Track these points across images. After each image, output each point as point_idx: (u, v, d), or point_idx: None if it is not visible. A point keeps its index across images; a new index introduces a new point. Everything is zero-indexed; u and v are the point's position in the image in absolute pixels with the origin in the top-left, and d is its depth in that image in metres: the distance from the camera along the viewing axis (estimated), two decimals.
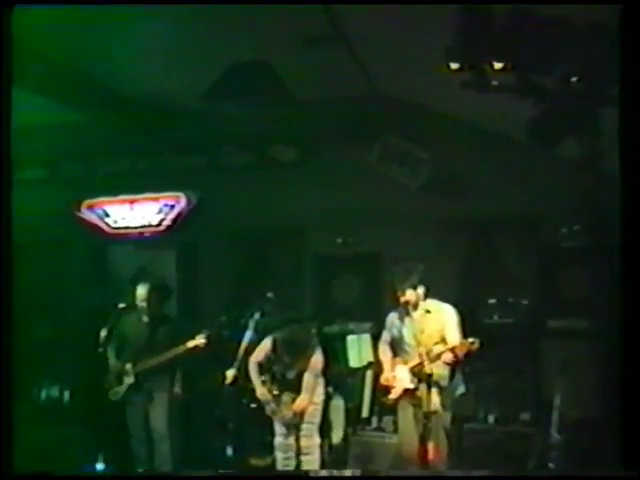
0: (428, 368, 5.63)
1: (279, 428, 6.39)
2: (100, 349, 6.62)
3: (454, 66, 5.07)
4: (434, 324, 5.91)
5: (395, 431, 6.89)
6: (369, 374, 7.76)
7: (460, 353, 5.61)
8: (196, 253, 9.30)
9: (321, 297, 8.76)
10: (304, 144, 8.90)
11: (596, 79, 4.95)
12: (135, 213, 9.29)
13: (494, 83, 5.17)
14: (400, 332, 6.09)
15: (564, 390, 6.79)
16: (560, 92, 5.16)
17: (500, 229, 8.23)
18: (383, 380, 6.15)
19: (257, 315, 6.57)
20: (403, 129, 8.43)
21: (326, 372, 6.53)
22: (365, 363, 7.91)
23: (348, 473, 6.45)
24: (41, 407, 8.43)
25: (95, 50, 6.96)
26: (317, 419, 6.39)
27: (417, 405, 5.86)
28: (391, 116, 8.44)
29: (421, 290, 5.97)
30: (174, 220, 9.17)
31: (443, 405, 5.81)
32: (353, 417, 7.53)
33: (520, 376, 7.80)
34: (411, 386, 5.89)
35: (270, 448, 6.57)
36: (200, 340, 6.56)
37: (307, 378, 6.29)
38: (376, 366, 6.90)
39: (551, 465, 6.55)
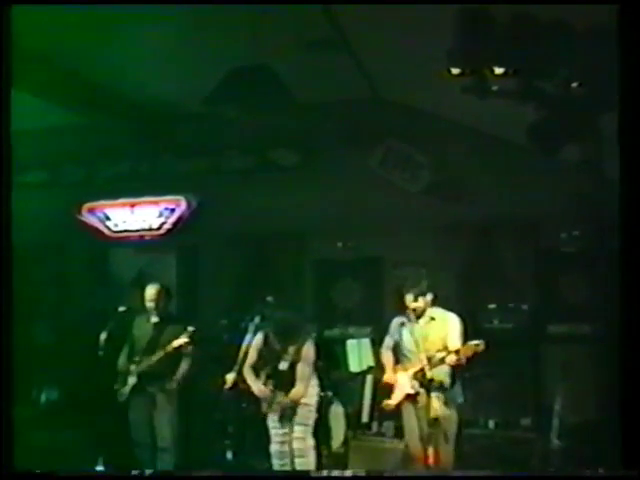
0: (429, 374, 5.65)
1: (275, 435, 6.35)
2: (100, 352, 6.61)
3: (455, 71, 5.09)
4: (438, 331, 5.91)
5: (396, 436, 6.91)
6: (369, 378, 7.74)
7: (464, 356, 5.61)
8: (196, 257, 9.31)
9: (321, 301, 8.76)
10: (305, 148, 8.90)
11: (596, 84, 4.96)
12: (136, 216, 9.30)
13: (495, 88, 5.19)
14: (403, 338, 6.09)
15: (564, 395, 6.79)
16: (560, 97, 5.17)
17: (500, 234, 8.22)
18: (386, 378, 6.14)
19: (257, 319, 6.56)
20: (404, 133, 8.45)
21: (318, 363, 6.45)
22: (365, 367, 7.89)
23: (348, 473, 6.45)
24: (41, 410, 8.42)
25: (96, 54, 6.98)
26: (310, 421, 6.30)
27: (419, 410, 5.87)
28: (392, 120, 8.46)
29: (429, 297, 5.99)
30: (174, 223, 9.19)
31: (444, 411, 5.80)
32: (353, 422, 7.51)
33: (520, 381, 7.79)
34: (412, 392, 5.89)
35: (269, 452, 6.55)
36: (183, 340, 6.48)
37: (301, 368, 6.24)
38: (377, 370, 6.88)
39: (551, 470, 6.54)
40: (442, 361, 5.69)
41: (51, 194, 9.41)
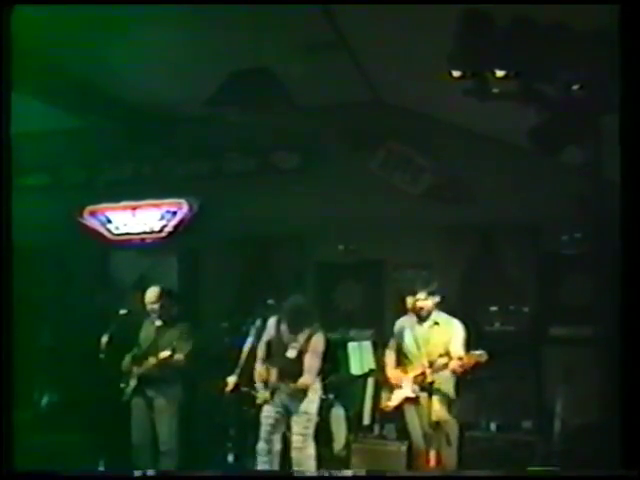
0: (430, 378, 5.68)
1: (264, 432, 6.23)
2: (101, 355, 6.63)
3: (456, 74, 5.08)
4: (441, 336, 5.95)
5: (398, 438, 6.92)
6: (370, 381, 7.74)
7: (467, 364, 5.62)
8: (198, 260, 9.31)
9: (322, 304, 8.75)
10: (306, 151, 8.91)
11: (598, 86, 4.96)
12: (137, 219, 9.31)
13: (496, 91, 5.18)
14: (406, 340, 6.11)
15: (566, 397, 6.78)
16: (561, 99, 5.16)
17: (501, 236, 8.22)
18: (390, 376, 6.14)
19: (258, 322, 6.56)
20: (405, 136, 8.46)
21: (327, 354, 6.40)
22: (366, 370, 7.89)
23: (348, 473, 6.43)
24: (42, 413, 8.41)
25: (97, 56, 6.99)
26: (309, 430, 6.17)
27: (420, 413, 5.88)
28: (393, 123, 8.47)
29: (437, 299, 6.04)
30: (176, 227, 9.19)
31: (445, 415, 5.81)
32: (355, 424, 7.51)
33: (522, 384, 7.78)
34: (412, 395, 5.90)
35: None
36: (166, 353, 6.43)
37: (309, 359, 6.14)
38: (379, 373, 6.89)
39: (552, 471, 6.53)
40: (445, 367, 5.70)
41: (52, 197, 9.42)
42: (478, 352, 5.60)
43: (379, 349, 6.58)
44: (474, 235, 8.30)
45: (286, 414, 6.20)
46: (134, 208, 9.32)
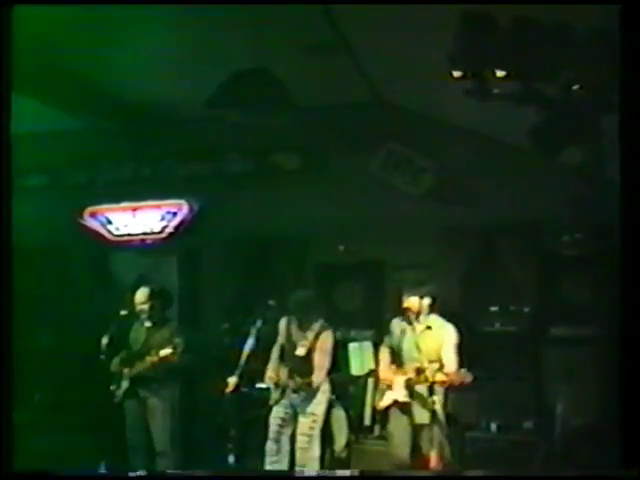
0: (421, 382, 5.72)
1: (272, 432, 6.27)
2: (102, 356, 6.63)
3: (456, 74, 5.08)
4: (433, 341, 5.91)
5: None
6: (371, 382, 7.73)
7: (451, 382, 5.63)
8: (198, 260, 9.31)
9: (323, 304, 8.74)
10: (306, 152, 8.91)
11: (598, 87, 4.96)
12: (137, 220, 9.31)
13: (496, 91, 5.19)
14: (399, 342, 6.10)
15: (566, 397, 6.78)
16: (562, 100, 5.16)
17: (502, 237, 8.21)
18: (383, 378, 6.14)
19: (259, 322, 6.56)
20: (405, 137, 8.46)
21: (336, 352, 6.42)
22: (367, 371, 7.86)
23: (348, 473, 6.43)
24: (42, 414, 8.41)
25: (98, 56, 6.99)
26: (315, 431, 6.23)
27: (405, 416, 5.91)
28: (393, 124, 8.47)
29: (427, 302, 5.98)
30: (176, 227, 9.19)
31: (429, 418, 5.82)
32: (355, 425, 7.50)
33: (522, 384, 7.77)
34: (402, 398, 5.91)
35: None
36: (167, 351, 6.43)
37: (318, 356, 6.21)
38: (375, 370, 6.88)
39: (552, 471, 6.54)
40: (432, 377, 5.68)
41: (53, 198, 9.42)
42: (464, 372, 5.58)
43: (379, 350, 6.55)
44: (474, 236, 8.29)
45: (294, 414, 6.22)
46: (134, 209, 9.31)
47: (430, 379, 5.63)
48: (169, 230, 9.20)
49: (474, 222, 8.12)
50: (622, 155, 3.89)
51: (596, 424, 6.93)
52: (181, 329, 6.80)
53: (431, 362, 5.76)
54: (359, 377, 7.92)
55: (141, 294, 6.81)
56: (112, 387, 6.70)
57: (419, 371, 5.72)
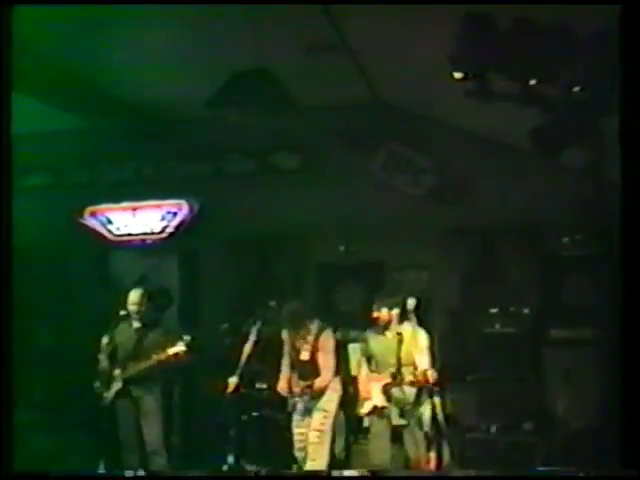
0: (396, 387, 5.87)
1: (297, 442, 6.32)
2: (101, 356, 6.63)
3: (458, 75, 5.08)
4: (405, 347, 6.00)
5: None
6: None
7: (421, 381, 5.80)
8: (198, 260, 9.31)
9: (323, 305, 8.74)
10: (306, 152, 8.91)
11: (598, 88, 4.95)
12: (138, 220, 9.31)
13: (496, 92, 5.19)
14: (373, 350, 6.22)
15: (566, 398, 6.78)
16: (563, 101, 5.17)
17: (502, 238, 8.21)
18: (361, 389, 6.25)
19: (259, 323, 6.56)
20: (406, 137, 8.46)
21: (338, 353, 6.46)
22: None
23: (348, 473, 6.44)
24: (42, 413, 8.40)
25: (99, 56, 6.99)
26: (326, 427, 6.24)
27: (384, 420, 6.04)
28: (394, 124, 8.47)
29: (396, 312, 6.09)
30: (176, 227, 9.19)
31: (410, 422, 5.89)
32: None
33: (522, 385, 7.77)
34: (380, 404, 6.00)
35: (270, 456, 6.54)
36: (180, 347, 6.39)
37: (322, 357, 6.25)
38: (351, 378, 6.92)
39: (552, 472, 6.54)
40: (407, 380, 5.85)
41: (53, 197, 9.42)
42: (430, 372, 5.76)
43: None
44: (475, 236, 8.29)
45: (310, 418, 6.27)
46: (135, 209, 9.31)
47: (403, 382, 5.82)
48: (169, 230, 9.20)
49: (474, 223, 8.12)
50: (622, 156, 3.89)
51: (596, 425, 6.93)
52: (176, 329, 6.79)
53: (405, 367, 5.91)
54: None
55: (134, 295, 6.78)
56: (100, 387, 6.66)
57: (394, 376, 5.88)
